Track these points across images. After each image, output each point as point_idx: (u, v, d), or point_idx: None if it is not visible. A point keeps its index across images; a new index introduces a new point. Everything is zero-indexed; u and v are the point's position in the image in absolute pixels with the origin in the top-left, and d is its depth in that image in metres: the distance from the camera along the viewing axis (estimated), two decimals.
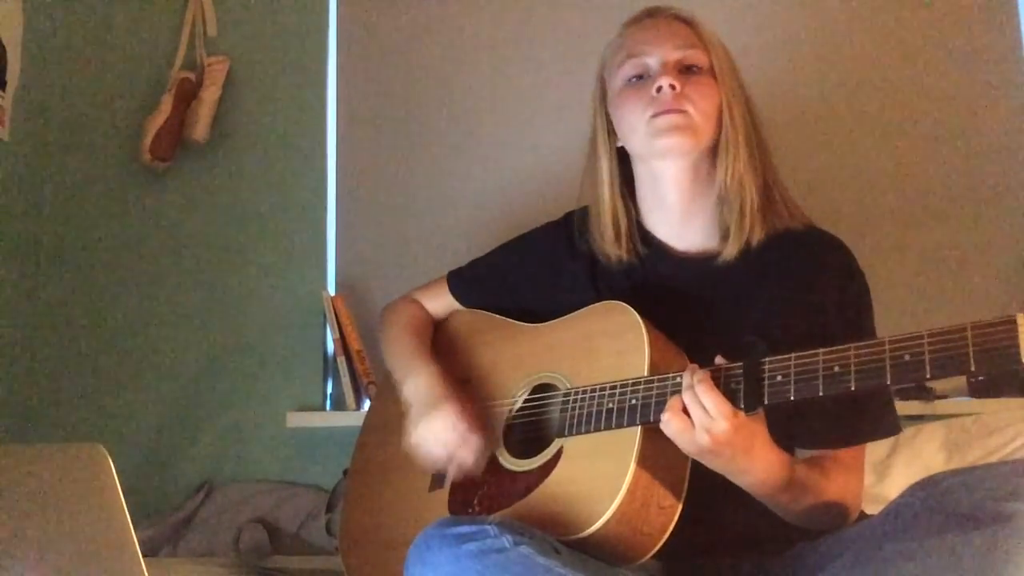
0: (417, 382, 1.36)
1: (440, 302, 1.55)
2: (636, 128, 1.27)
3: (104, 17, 2.28)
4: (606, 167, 1.35)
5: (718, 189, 1.27)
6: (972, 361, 0.90)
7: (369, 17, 2.23)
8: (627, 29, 1.34)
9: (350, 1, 2.25)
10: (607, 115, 1.34)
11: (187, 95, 2.15)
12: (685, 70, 1.26)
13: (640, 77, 1.27)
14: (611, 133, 1.34)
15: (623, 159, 1.35)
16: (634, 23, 1.34)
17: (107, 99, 2.25)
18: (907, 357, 0.95)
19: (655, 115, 1.24)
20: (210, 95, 2.14)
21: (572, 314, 1.32)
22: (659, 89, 1.23)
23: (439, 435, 1.27)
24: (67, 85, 2.27)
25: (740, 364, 1.07)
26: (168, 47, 2.23)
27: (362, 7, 2.24)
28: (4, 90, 2.08)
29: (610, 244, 1.34)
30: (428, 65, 2.20)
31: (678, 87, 1.23)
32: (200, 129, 2.13)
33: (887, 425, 1.25)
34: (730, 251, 1.27)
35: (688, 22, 1.29)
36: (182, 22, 2.22)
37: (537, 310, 1.39)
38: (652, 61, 1.27)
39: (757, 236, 1.27)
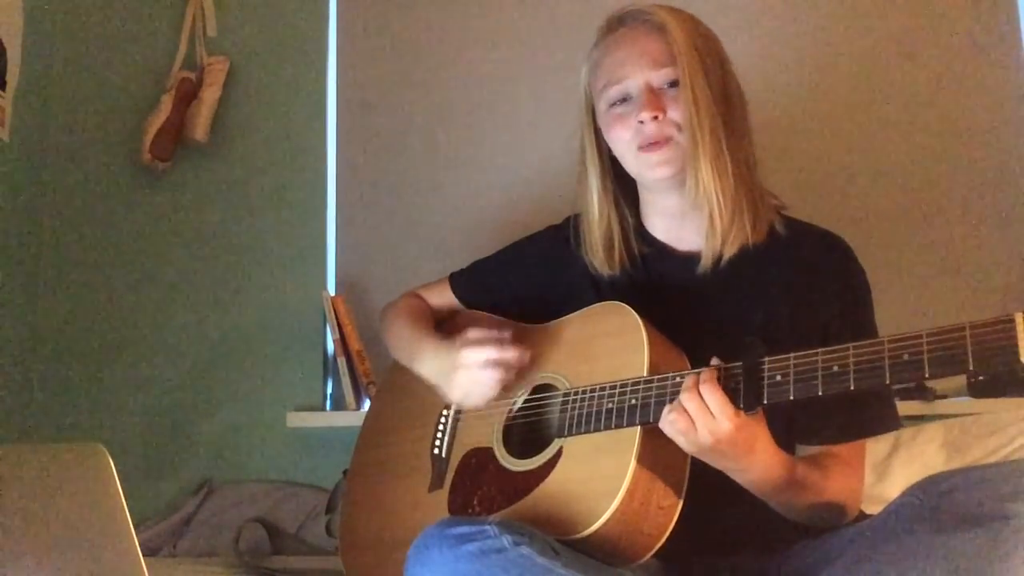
0: (430, 354, 1.36)
1: (441, 301, 1.55)
2: (626, 156, 1.29)
3: (104, 17, 2.28)
4: (596, 183, 1.34)
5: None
6: (971, 360, 0.90)
7: (369, 17, 2.23)
8: (603, 41, 1.32)
9: (350, 1, 2.25)
10: (596, 129, 1.33)
11: (187, 95, 2.15)
12: (663, 88, 1.25)
13: (623, 100, 1.27)
14: (600, 146, 1.33)
15: (616, 160, 1.35)
16: (609, 33, 1.32)
17: (107, 99, 2.26)
18: (906, 356, 0.95)
19: (642, 149, 1.25)
20: (210, 95, 2.15)
21: (572, 315, 1.32)
22: (642, 121, 1.23)
23: (477, 381, 1.27)
24: (67, 85, 2.27)
25: (739, 364, 1.07)
26: (168, 47, 2.23)
27: (362, 7, 2.24)
28: (4, 90, 2.08)
29: (600, 261, 1.35)
30: (428, 65, 2.20)
31: (661, 116, 1.23)
32: (200, 129, 2.14)
33: (887, 420, 1.25)
34: (704, 263, 1.28)
35: (660, 29, 1.25)
36: (182, 22, 2.22)
37: (538, 311, 1.39)
38: (631, 85, 1.26)
39: (731, 245, 1.26)
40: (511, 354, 1.26)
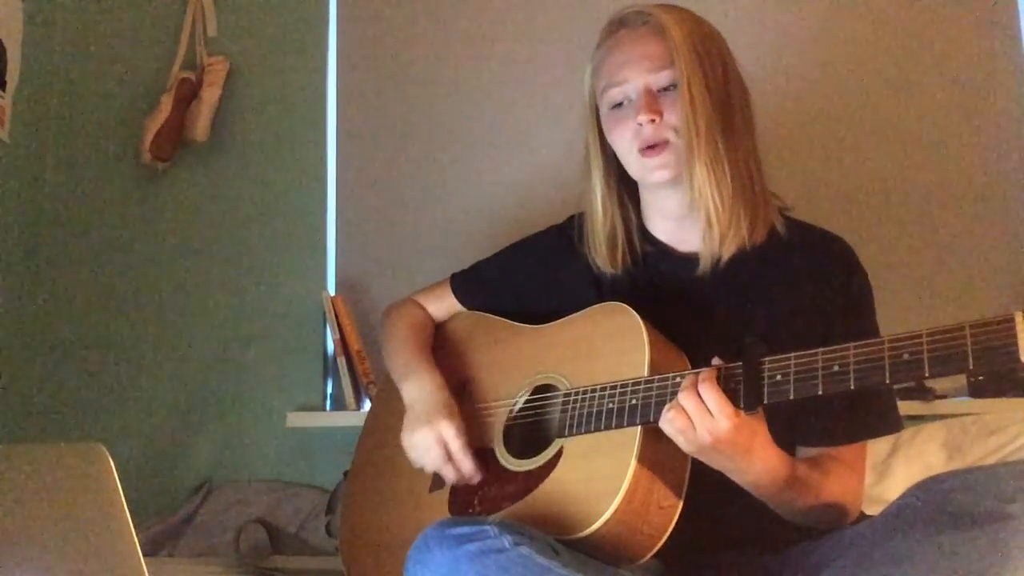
0: (420, 385, 1.37)
1: (443, 304, 1.55)
2: (627, 158, 1.29)
3: (104, 17, 2.28)
4: (600, 183, 1.35)
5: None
6: (971, 359, 0.90)
7: (369, 17, 2.23)
8: (605, 42, 1.32)
9: (350, 1, 2.25)
10: (599, 130, 1.33)
11: (187, 95, 2.15)
12: (662, 91, 1.25)
13: (623, 103, 1.28)
14: (604, 147, 1.34)
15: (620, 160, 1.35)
16: (610, 35, 1.32)
17: (107, 99, 2.26)
18: (906, 356, 0.95)
19: (642, 151, 1.25)
20: (210, 95, 2.15)
21: (573, 315, 1.32)
22: (640, 124, 1.24)
23: (429, 449, 1.29)
24: (67, 85, 2.27)
25: (740, 364, 1.07)
26: (168, 47, 2.23)
27: (362, 7, 2.24)
28: (4, 90, 2.08)
29: (603, 260, 1.35)
30: (428, 66, 2.20)
31: (658, 119, 1.23)
32: (200, 129, 2.14)
33: (888, 422, 1.25)
34: (703, 265, 1.28)
35: (659, 31, 1.25)
36: (182, 22, 2.22)
37: (539, 312, 1.39)
38: (630, 88, 1.26)
39: (728, 247, 1.26)
40: (468, 467, 1.27)
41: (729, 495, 1.14)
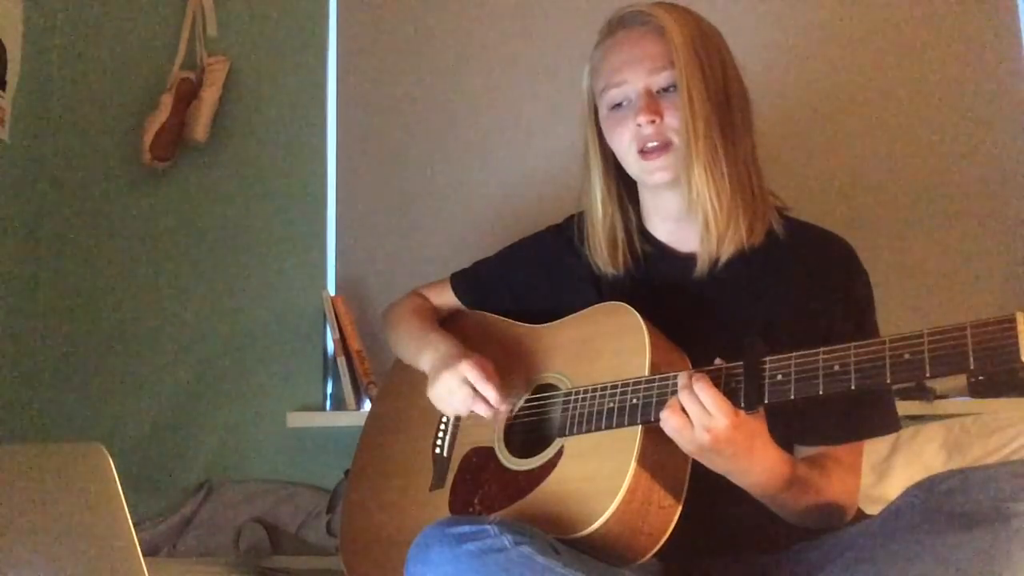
0: (435, 348, 1.36)
1: (443, 301, 1.55)
2: (626, 158, 1.29)
3: (104, 17, 2.28)
4: (599, 183, 1.35)
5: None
6: (972, 360, 0.90)
7: (369, 17, 2.23)
8: (604, 43, 1.32)
9: (350, 1, 2.25)
10: (598, 130, 1.33)
11: (187, 95, 2.15)
12: (662, 92, 1.25)
13: (623, 103, 1.28)
14: (603, 147, 1.34)
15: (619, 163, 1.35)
16: (609, 35, 1.32)
17: (107, 99, 2.25)
18: (907, 356, 0.95)
19: (641, 152, 1.25)
20: (210, 95, 2.15)
21: (574, 315, 1.32)
22: (640, 125, 1.24)
23: (453, 393, 1.28)
24: (67, 85, 2.27)
25: (740, 363, 1.07)
26: (168, 47, 2.23)
27: (362, 7, 2.24)
28: (4, 90, 2.08)
29: (604, 260, 1.35)
30: (428, 65, 2.20)
31: (658, 120, 1.23)
32: (200, 129, 2.14)
33: (887, 422, 1.25)
34: (701, 266, 1.28)
35: (659, 31, 1.25)
36: (182, 22, 2.22)
37: (539, 311, 1.39)
38: (630, 90, 1.26)
39: (727, 248, 1.26)
40: (493, 394, 1.26)
41: (730, 495, 1.14)
